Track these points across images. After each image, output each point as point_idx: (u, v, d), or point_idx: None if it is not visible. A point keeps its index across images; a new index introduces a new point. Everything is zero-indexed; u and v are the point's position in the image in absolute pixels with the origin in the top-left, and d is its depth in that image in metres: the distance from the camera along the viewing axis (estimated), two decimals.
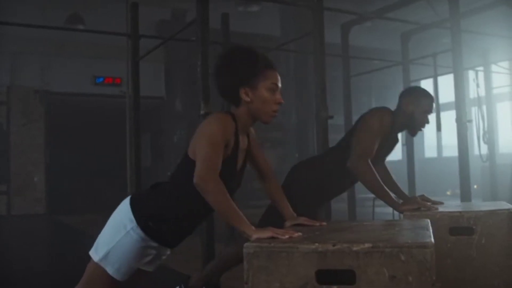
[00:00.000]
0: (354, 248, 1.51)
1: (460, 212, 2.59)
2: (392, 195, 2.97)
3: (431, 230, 1.80)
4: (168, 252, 2.21)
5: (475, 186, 11.15)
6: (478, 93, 7.94)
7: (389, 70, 8.13)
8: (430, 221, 2.58)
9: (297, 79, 9.50)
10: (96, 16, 9.67)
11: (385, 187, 2.82)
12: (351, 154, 2.83)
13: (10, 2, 9.37)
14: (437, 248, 2.56)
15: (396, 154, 7.83)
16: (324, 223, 2.13)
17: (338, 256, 1.53)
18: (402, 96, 3.04)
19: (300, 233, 1.78)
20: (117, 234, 2.03)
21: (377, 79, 12.45)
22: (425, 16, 8.03)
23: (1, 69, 10.95)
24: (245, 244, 1.65)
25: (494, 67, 9.14)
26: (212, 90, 3.85)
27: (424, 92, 3.02)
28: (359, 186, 3.83)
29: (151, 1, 10.43)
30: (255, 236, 1.75)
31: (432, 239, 1.56)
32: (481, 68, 8.75)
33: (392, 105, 3.11)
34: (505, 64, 9.37)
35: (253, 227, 1.80)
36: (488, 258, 2.53)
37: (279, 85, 2.07)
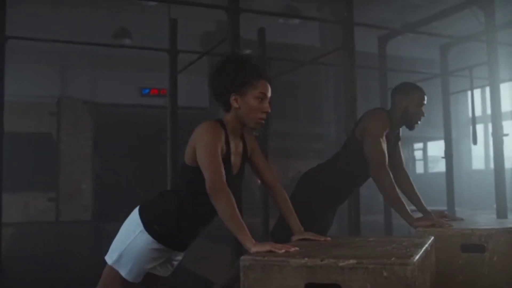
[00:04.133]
0: (340, 264, 1.60)
1: (471, 229, 2.61)
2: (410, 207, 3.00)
3: (425, 247, 1.84)
4: (180, 257, 2.32)
5: None
6: None
7: (431, 80, 8.04)
8: (443, 239, 2.63)
9: (335, 90, 9.53)
10: (143, 30, 10.01)
11: (402, 201, 2.85)
12: (370, 165, 2.88)
13: (62, 20, 9.83)
14: (449, 265, 2.61)
15: (441, 166, 7.72)
16: (329, 239, 2.21)
17: (325, 270, 1.61)
18: (393, 94, 3.08)
19: (297, 248, 1.87)
20: (128, 238, 2.20)
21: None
22: (470, 26, 7.91)
23: (53, 82, 11.48)
24: (242, 257, 1.76)
25: None
26: None
27: (414, 86, 3.06)
28: None
29: (196, 14, 10.71)
30: (254, 249, 1.86)
31: (417, 257, 1.61)
32: None
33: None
34: None
35: (253, 241, 1.90)
36: (500, 275, 2.54)
37: (268, 94, 2.16)
